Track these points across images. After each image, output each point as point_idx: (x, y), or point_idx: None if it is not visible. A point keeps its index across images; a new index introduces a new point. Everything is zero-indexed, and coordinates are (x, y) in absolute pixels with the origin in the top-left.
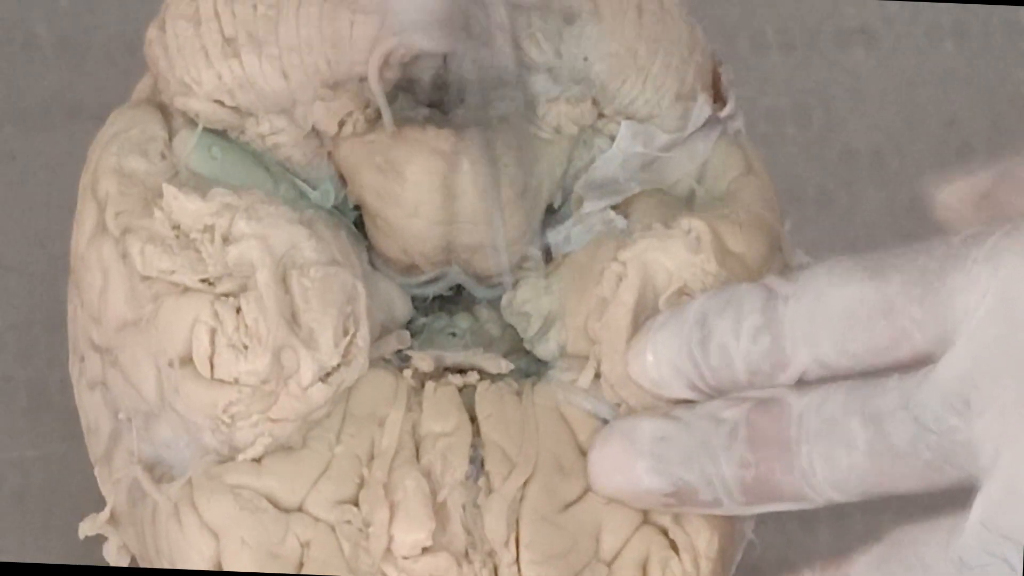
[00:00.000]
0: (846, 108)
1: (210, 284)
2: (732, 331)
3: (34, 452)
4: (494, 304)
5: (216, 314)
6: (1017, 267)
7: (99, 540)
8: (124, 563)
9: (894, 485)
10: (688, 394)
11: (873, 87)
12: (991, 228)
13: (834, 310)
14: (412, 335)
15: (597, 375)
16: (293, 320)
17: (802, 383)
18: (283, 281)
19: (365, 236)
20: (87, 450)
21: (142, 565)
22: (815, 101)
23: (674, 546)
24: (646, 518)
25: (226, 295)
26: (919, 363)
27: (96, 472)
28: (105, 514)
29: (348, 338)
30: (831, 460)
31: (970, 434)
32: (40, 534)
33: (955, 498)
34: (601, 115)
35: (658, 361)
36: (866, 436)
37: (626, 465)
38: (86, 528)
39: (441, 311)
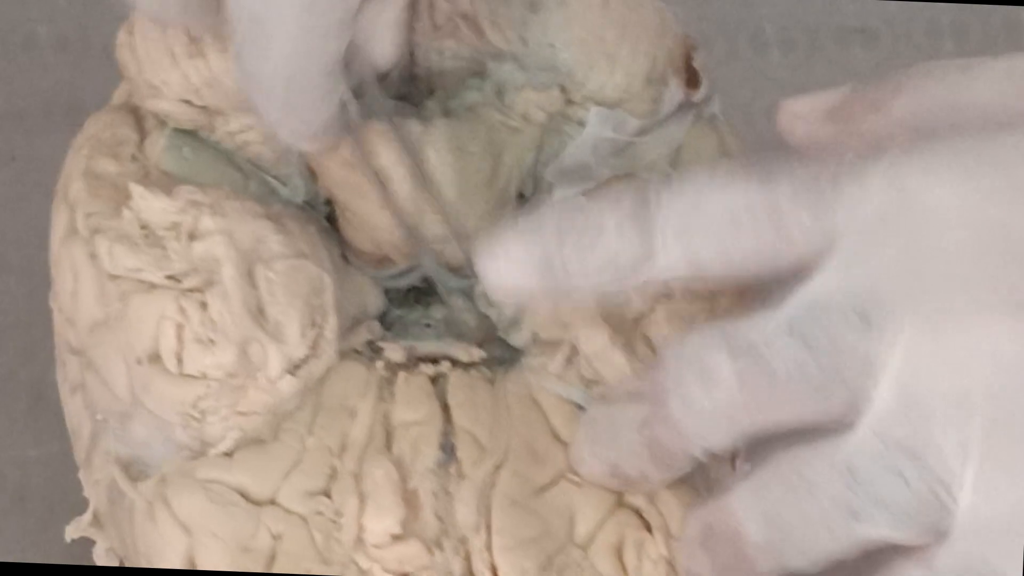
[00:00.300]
0: None
1: (176, 280)
2: (598, 214)
3: (34, 451)
4: (468, 294)
5: (182, 310)
6: (915, 180)
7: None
8: (114, 563)
9: (769, 420)
10: (545, 284)
11: None
12: (886, 145)
13: (714, 210)
14: (387, 327)
15: (569, 360)
16: (260, 313)
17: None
18: (249, 275)
19: (336, 230)
20: None
21: (128, 563)
22: None
23: (648, 527)
24: (620, 500)
25: (192, 291)
26: (798, 273)
27: (80, 475)
28: (87, 516)
29: (316, 330)
30: (689, 403)
31: (868, 348)
32: (40, 533)
33: None
34: (570, 101)
35: (512, 252)
36: (735, 368)
37: (582, 451)
38: (71, 532)
39: (416, 303)
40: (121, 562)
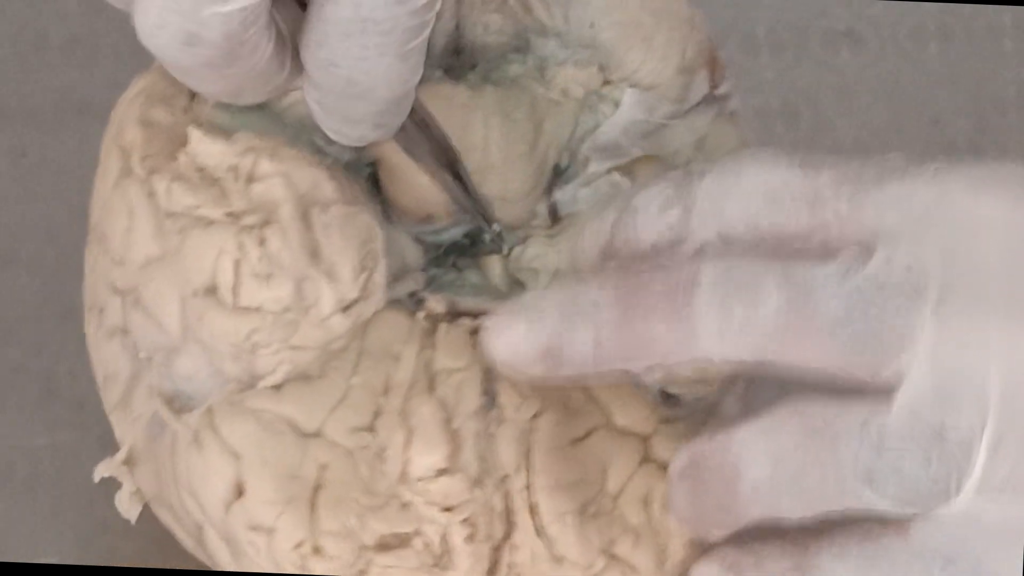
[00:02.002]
0: (834, 108)
1: (235, 217)
2: (646, 204)
3: (44, 440)
4: (502, 260)
5: (241, 245)
6: (962, 191)
7: (107, 528)
8: (136, 510)
9: (797, 355)
10: (605, 269)
11: (860, 87)
12: (925, 159)
13: (753, 188)
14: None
15: None
16: (315, 253)
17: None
18: (305, 217)
19: (379, 192)
20: (97, 439)
21: (157, 507)
22: (804, 101)
23: None
24: (648, 455)
25: (251, 227)
26: (823, 258)
27: (112, 420)
28: (122, 454)
29: (366, 273)
30: (727, 309)
31: (912, 321)
32: (50, 520)
33: None
34: (607, 82)
35: (586, 240)
36: (784, 295)
37: (508, 329)
38: (102, 470)
39: (452, 266)
40: (146, 507)
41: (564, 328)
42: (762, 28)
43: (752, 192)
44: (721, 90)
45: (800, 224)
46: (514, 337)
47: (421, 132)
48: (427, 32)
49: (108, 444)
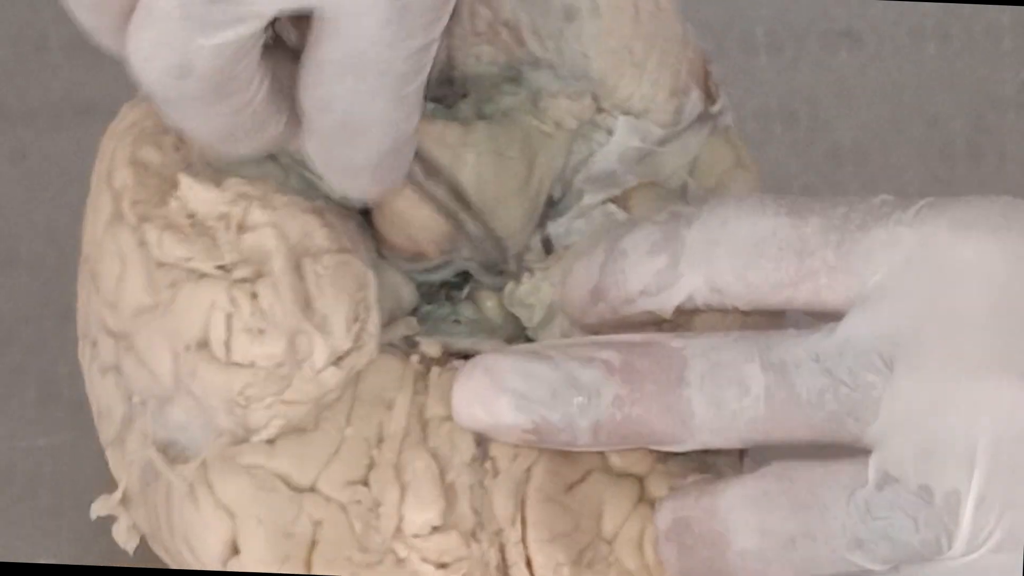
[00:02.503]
0: (832, 108)
1: (226, 270)
2: (635, 247)
3: (44, 441)
4: (497, 293)
5: (233, 299)
6: (944, 234)
7: (107, 525)
8: (133, 542)
9: (782, 434)
10: (595, 310)
11: (858, 88)
12: (911, 198)
13: (741, 237)
14: (418, 322)
15: None
16: (307, 306)
17: (680, 311)
18: (297, 268)
19: (371, 226)
20: (95, 438)
21: (153, 544)
22: (802, 101)
23: None
24: (642, 495)
25: (242, 281)
26: (814, 309)
27: (108, 454)
28: (117, 495)
29: (359, 323)
30: (718, 404)
31: (883, 392)
32: (50, 520)
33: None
34: (599, 110)
35: (575, 280)
36: (766, 382)
37: (488, 399)
38: (98, 508)
39: (446, 300)
40: (143, 539)
41: (558, 410)
42: (760, 28)
43: (740, 241)
44: (715, 107)
45: (789, 274)
46: (499, 410)
47: (431, 177)
48: (423, 77)
49: None
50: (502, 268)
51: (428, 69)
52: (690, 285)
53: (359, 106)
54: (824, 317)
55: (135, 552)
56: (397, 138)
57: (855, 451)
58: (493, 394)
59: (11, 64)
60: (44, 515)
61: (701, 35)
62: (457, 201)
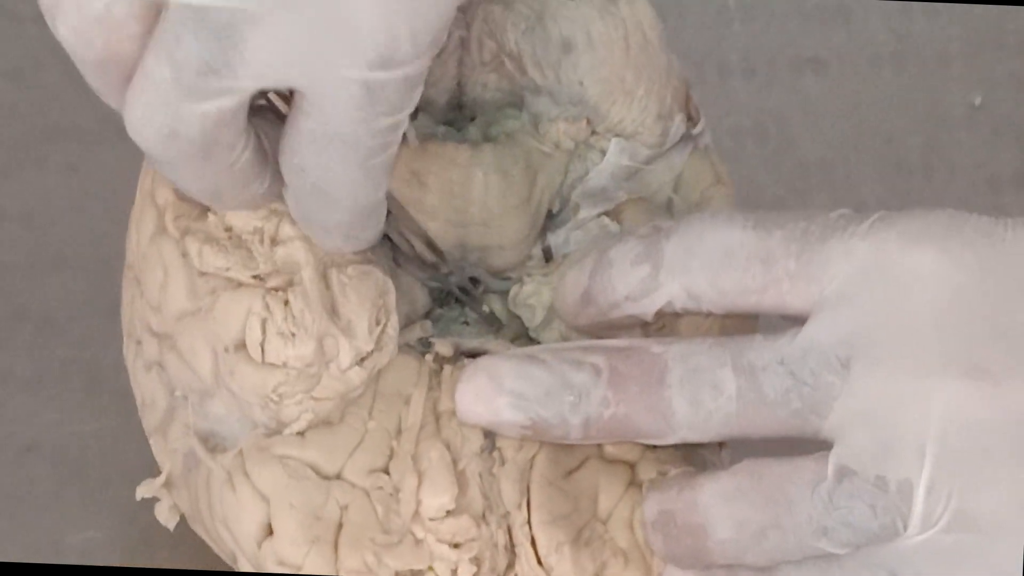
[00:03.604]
0: (799, 127)
1: (261, 280)
2: (620, 257)
3: (91, 426)
4: (502, 296)
5: (267, 306)
6: (894, 245)
7: (147, 503)
8: (174, 521)
9: (753, 430)
10: (585, 312)
11: (822, 109)
12: (865, 213)
13: (714, 248)
14: (430, 324)
15: None
16: (333, 312)
17: (662, 314)
18: (324, 277)
19: (389, 238)
20: (136, 425)
21: (192, 524)
22: (772, 121)
23: None
24: (632, 479)
25: (275, 289)
26: (779, 312)
27: (151, 442)
28: (161, 479)
29: (380, 327)
30: (696, 403)
31: (842, 390)
32: (96, 497)
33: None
34: (594, 132)
35: (567, 286)
36: (737, 384)
37: (489, 399)
38: (143, 491)
39: (456, 303)
40: (183, 518)
41: (552, 409)
42: (735, 56)
43: (712, 252)
44: (696, 129)
45: (756, 281)
46: (499, 408)
47: (415, 234)
48: (392, 150)
49: None
50: (505, 275)
51: (396, 145)
52: (669, 292)
53: (330, 174)
54: (788, 319)
55: (174, 529)
56: (366, 205)
57: (817, 444)
58: (493, 394)
59: (62, 87)
60: (90, 493)
61: (682, 61)
62: (431, 249)
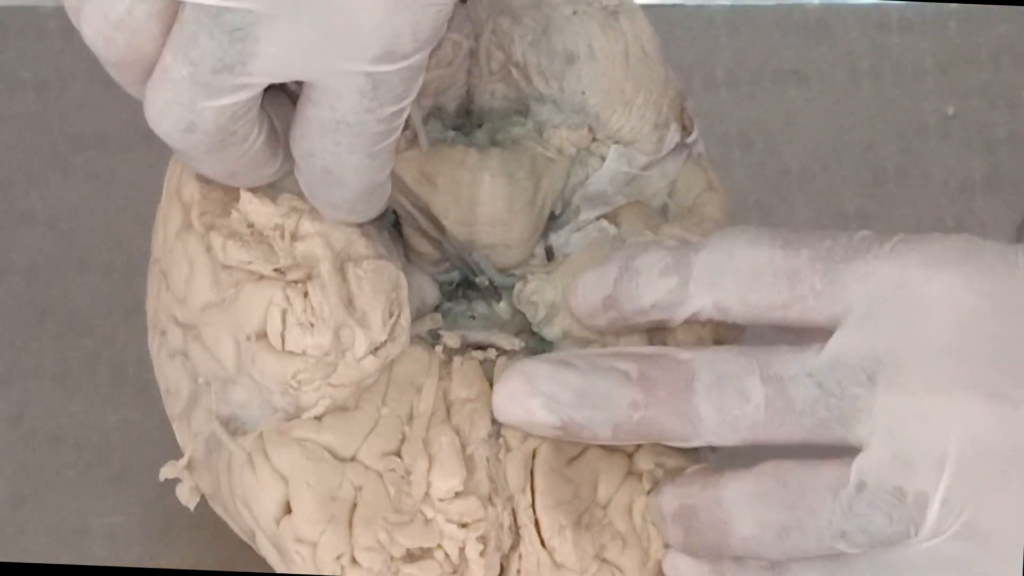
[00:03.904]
0: (782, 135)
1: (281, 273)
2: (647, 267)
3: (114, 417)
4: (506, 293)
5: (287, 298)
6: (916, 269)
7: (168, 488)
8: (194, 501)
9: (779, 436)
10: (605, 315)
11: (804, 119)
12: (887, 235)
13: (744, 265)
14: (441, 318)
15: None
16: (350, 304)
17: (689, 322)
18: (341, 271)
19: (401, 236)
20: (157, 415)
21: (213, 504)
22: (756, 129)
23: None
24: (631, 468)
25: (295, 282)
26: (801, 326)
27: (175, 427)
28: (184, 461)
29: (393, 319)
30: (722, 410)
31: (868, 403)
32: (119, 483)
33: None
34: (594, 139)
35: (587, 288)
36: (765, 392)
37: (524, 401)
38: (166, 472)
39: (462, 298)
40: (203, 499)
41: (583, 411)
42: (721, 68)
43: (742, 269)
44: (690, 139)
45: (782, 297)
46: (532, 409)
47: (419, 210)
48: (395, 136)
49: (168, 422)
50: (510, 271)
51: (399, 130)
52: (698, 303)
53: (337, 159)
54: (809, 334)
55: (191, 512)
56: (370, 185)
57: (839, 451)
58: (528, 396)
59: (86, 98)
60: (114, 479)
61: (673, 74)
62: (435, 227)
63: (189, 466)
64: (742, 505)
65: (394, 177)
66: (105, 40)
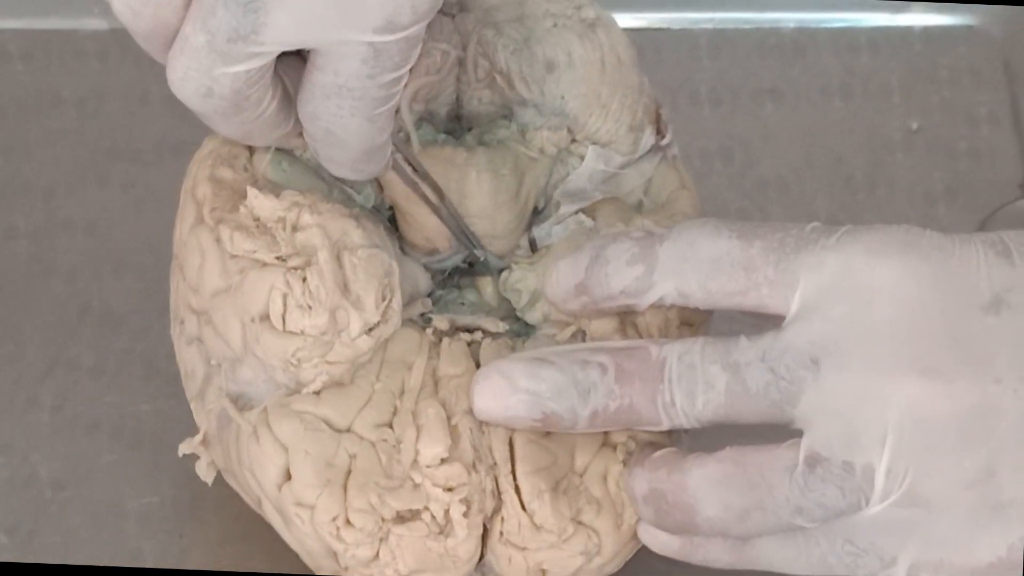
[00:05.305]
0: (760, 149)
1: (283, 260)
2: (616, 256)
3: (147, 407)
4: (493, 282)
5: (288, 283)
6: (860, 258)
7: (196, 473)
8: (211, 475)
9: (738, 418)
10: (577, 300)
11: (780, 133)
12: (834, 227)
13: (703, 255)
14: (432, 303)
15: (574, 336)
16: (345, 288)
17: (655, 306)
18: (338, 259)
19: (396, 229)
20: (188, 405)
21: (227, 477)
22: (736, 143)
23: (625, 461)
24: (605, 439)
25: (295, 268)
26: (756, 310)
27: (192, 407)
28: (199, 437)
29: (386, 302)
30: (691, 396)
31: (814, 384)
32: (152, 467)
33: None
34: (573, 140)
35: (562, 275)
36: (725, 379)
37: (503, 398)
38: (184, 448)
39: (453, 287)
40: (219, 473)
41: (563, 404)
42: (704, 87)
43: (702, 259)
44: (664, 141)
45: (739, 285)
46: (512, 406)
47: (422, 179)
48: (395, 101)
49: None
50: (497, 261)
51: (398, 96)
52: (662, 290)
53: (339, 121)
54: (765, 318)
55: (217, 493)
56: (369, 147)
57: (791, 432)
58: (507, 393)
59: (122, 113)
60: (147, 464)
61: (658, 90)
62: (435, 192)
63: (204, 442)
64: (706, 489)
65: (399, 144)
66: (133, 13)
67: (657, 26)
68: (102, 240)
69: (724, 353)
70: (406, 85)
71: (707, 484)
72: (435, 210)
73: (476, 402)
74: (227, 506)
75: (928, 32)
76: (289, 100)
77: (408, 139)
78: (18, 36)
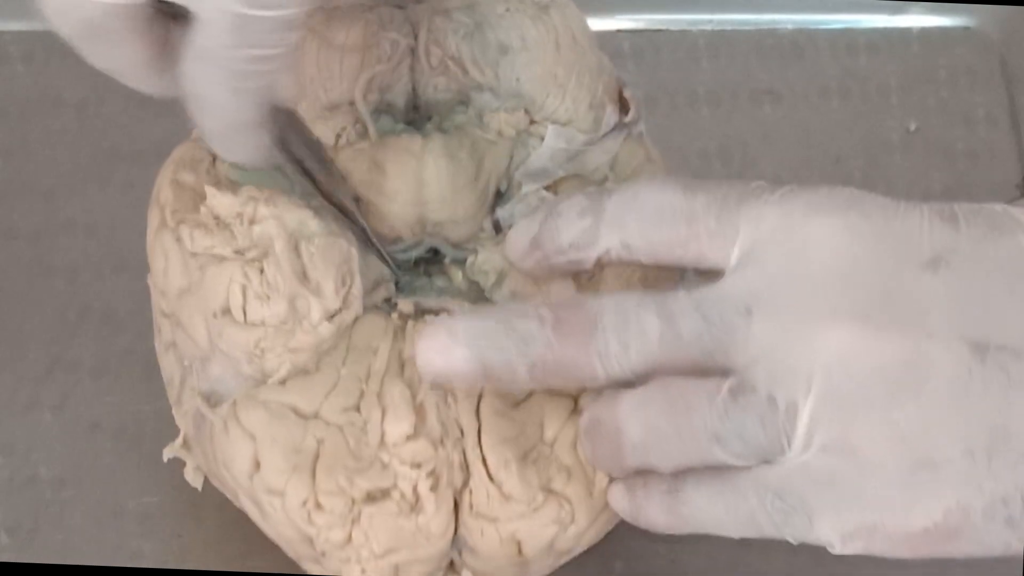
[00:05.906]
0: (758, 149)
1: (240, 253)
2: (567, 210)
3: (148, 407)
4: (461, 265)
5: (246, 275)
6: (800, 213)
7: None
8: (199, 481)
9: (671, 366)
10: (532, 256)
11: (778, 133)
12: (778, 184)
13: (647, 207)
14: (399, 291)
15: None
16: (304, 276)
17: (599, 262)
18: (295, 249)
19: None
20: None
21: (211, 478)
22: (735, 144)
23: None
24: (575, 408)
25: (253, 260)
26: (699, 265)
27: (174, 412)
28: (179, 440)
29: (346, 288)
30: (624, 344)
31: (746, 332)
32: (152, 466)
33: None
34: (532, 121)
35: (519, 231)
36: (659, 328)
37: (446, 351)
38: (168, 452)
39: (421, 273)
40: (206, 478)
41: (502, 354)
42: (703, 88)
43: (646, 210)
44: (628, 118)
45: (680, 236)
46: (452, 359)
47: (340, 185)
48: (265, 82)
49: None
50: (460, 246)
51: (270, 78)
52: (608, 243)
53: (205, 87)
54: (708, 273)
55: (215, 493)
56: (234, 123)
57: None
58: (449, 346)
59: (122, 114)
60: (147, 463)
61: (657, 90)
62: (344, 214)
63: (185, 444)
64: (631, 412)
65: (296, 140)
66: None
67: (655, 27)
68: (102, 241)
69: (660, 304)
70: (360, 78)
71: (633, 407)
72: (348, 214)
73: (419, 357)
74: (227, 506)
75: (926, 33)
76: (171, 56)
77: (366, 131)
78: (19, 38)
